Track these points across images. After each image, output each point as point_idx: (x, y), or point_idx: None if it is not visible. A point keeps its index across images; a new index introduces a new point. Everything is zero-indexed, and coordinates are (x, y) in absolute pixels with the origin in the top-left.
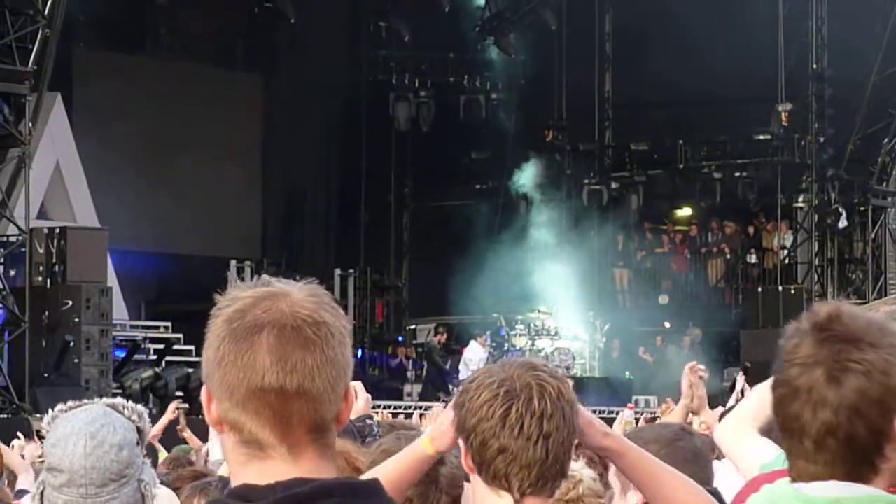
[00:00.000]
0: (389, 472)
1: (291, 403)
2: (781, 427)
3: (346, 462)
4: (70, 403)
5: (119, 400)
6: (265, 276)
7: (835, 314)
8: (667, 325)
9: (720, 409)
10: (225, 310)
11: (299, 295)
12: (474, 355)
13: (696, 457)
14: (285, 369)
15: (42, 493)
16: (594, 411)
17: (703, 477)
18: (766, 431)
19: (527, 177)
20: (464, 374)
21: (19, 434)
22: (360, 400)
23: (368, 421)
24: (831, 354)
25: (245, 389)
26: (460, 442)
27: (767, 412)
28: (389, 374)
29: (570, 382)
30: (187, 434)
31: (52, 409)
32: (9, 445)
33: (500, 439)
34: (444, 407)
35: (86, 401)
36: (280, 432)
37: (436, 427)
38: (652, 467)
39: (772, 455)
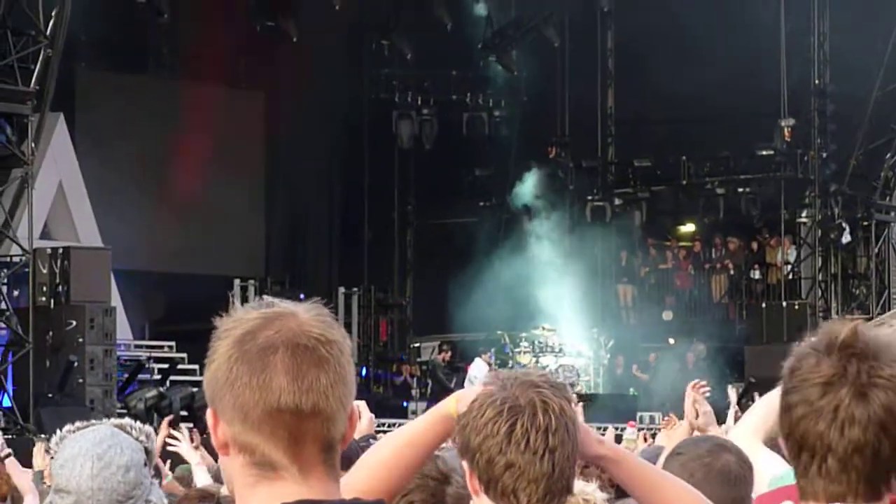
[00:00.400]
0: (414, 427)
1: (306, 423)
2: (798, 447)
3: None
4: (78, 424)
5: (127, 420)
6: (267, 297)
7: (853, 332)
8: (671, 341)
9: (724, 427)
10: (232, 331)
11: (306, 315)
12: (479, 372)
13: (724, 476)
14: (301, 389)
15: None
16: (598, 428)
17: (733, 497)
18: (773, 444)
19: (529, 193)
20: None
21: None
22: (363, 419)
23: (372, 441)
24: (857, 372)
25: (261, 411)
26: (464, 463)
27: (772, 422)
28: (394, 391)
29: (575, 399)
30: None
31: (58, 430)
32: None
33: (506, 455)
34: None
35: (94, 421)
36: (293, 453)
37: (465, 391)
38: (651, 476)
39: (781, 469)
